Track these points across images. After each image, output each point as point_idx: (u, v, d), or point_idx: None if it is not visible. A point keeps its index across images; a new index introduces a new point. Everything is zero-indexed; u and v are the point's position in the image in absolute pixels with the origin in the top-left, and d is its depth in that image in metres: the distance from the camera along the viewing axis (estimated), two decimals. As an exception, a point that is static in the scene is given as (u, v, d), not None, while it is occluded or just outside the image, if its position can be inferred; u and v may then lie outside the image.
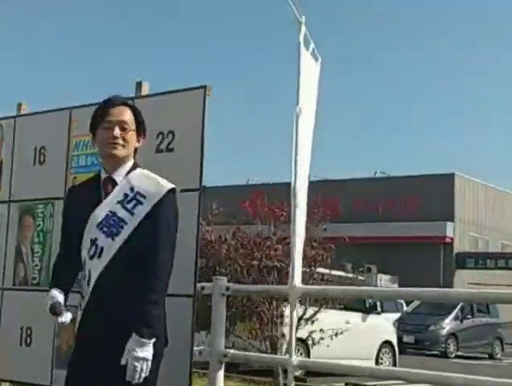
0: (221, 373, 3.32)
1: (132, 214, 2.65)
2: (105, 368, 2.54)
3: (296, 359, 3.04)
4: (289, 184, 3.24)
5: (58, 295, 2.68)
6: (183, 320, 3.30)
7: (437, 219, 28.45)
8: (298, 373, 10.67)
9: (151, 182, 2.72)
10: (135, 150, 2.80)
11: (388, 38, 54.11)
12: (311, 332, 7.41)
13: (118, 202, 2.67)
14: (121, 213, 2.65)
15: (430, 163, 60.05)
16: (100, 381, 2.57)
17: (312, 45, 3.49)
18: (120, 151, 2.71)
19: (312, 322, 7.23)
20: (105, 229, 2.64)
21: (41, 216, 4.00)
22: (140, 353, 2.50)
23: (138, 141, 2.79)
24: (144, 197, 2.67)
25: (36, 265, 3.95)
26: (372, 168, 42.19)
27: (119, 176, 2.73)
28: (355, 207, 28.29)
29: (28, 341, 3.91)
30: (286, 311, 7.47)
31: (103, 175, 2.76)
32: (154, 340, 2.54)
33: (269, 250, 7.14)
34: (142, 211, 2.65)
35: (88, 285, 2.66)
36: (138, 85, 3.75)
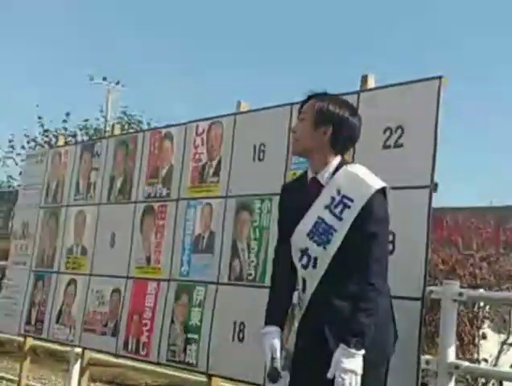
0: (451, 386, 3.08)
1: (340, 219, 2.50)
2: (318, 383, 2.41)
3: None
4: None
5: (276, 344, 2.55)
6: (410, 325, 3.11)
7: None
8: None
9: (358, 183, 2.56)
10: (333, 148, 2.62)
11: None
12: (518, 360, 6.85)
13: (326, 206, 2.53)
14: (330, 219, 2.51)
15: None
16: None
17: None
18: (295, 146, 2.64)
19: (519, 347, 6.69)
20: (316, 238, 2.53)
21: (258, 212, 3.99)
22: (347, 364, 2.35)
23: (324, 134, 2.59)
24: (352, 200, 2.51)
25: (252, 261, 3.94)
26: None
27: (323, 176, 2.59)
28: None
29: (241, 336, 3.89)
30: (488, 333, 7.02)
31: (309, 175, 2.66)
32: (363, 352, 2.38)
33: (473, 268, 6.73)
34: (350, 215, 2.49)
35: (304, 291, 2.58)
36: (364, 78, 3.63)
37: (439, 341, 3.12)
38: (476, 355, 6.60)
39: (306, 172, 2.70)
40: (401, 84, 3.43)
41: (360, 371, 2.37)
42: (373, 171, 3.39)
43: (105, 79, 26.09)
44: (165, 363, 4.34)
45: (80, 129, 15.55)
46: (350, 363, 2.35)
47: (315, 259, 2.52)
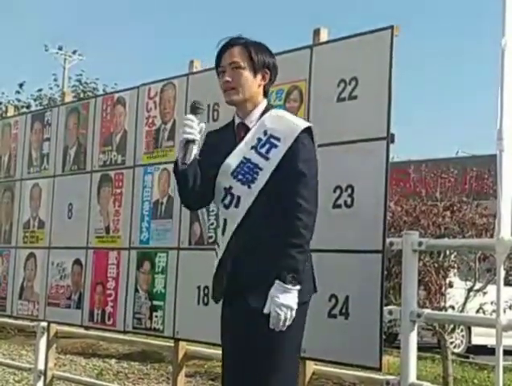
0: (414, 334, 3.09)
1: (267, 158, 2.49)
2: (250, 319, 2.43)
3: (505, 318, 2.74)
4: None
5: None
6: (372, 278, 3.12)
7: None
8: (459, 350, 10.32)
9: (285, 123, 2.55)
10: (265, 92, 2.63)
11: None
12: (482, 304, 6.97)
13: (252, 147, 2.51)
14: (256, 159, 2.50)
15: None
16: (245, 331, 2.46)
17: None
18: (235, 96, 2.57)
19: (484, 293, 6.78)
20: (240, 177, 2.51)
21: (217, 174, 3.93)
22: (283, 300, 2.37)
23: (263, 80, 2.60)
24: (278, 139, 2.50)
25: (212, 224, 3.89)
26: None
27: (251, 121, 2.57)
28: None
29: (206, 300, 3.86)
30: (455, 281, 7.12)
31: (236, 121, 2.64)
32: (298, 287, 2.41)
33: (436, 217, 6.78)
34: (277, 154, 2.48)
35: (224, 234, 2.56)
36: (316, 32, 3.55)
37: (402, 291, 3.13)
38: (443, 303, 6.70)
39: (233, 119, 2.67)
40: (353, 35, 3.38)
41: (295, 306, 2.40)
42: (328, 124, 3.39)
43: (60, 48, 25.60)
44: (132, 330, 4.31)
45: (35, 100, 15.22)
46: (286, 299, 2.37)
47: (239, 198, 2.50)
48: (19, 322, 5.71)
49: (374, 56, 3.25)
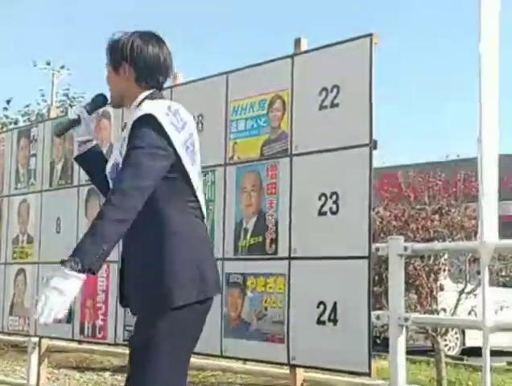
0: (402, 339, 3.11)
1: (121, 155, 2.34)
2: None
3: (491, 319, 2.77)
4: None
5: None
6: (359, 283, 3.14)
7: None
8: (454, 352, 10.33)
9: (135, 115, 2.34)
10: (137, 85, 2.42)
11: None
12: (474, 306, 6.99)
13: (119, 150, 2.39)
14: (120, 161, 2.34)
15: None
16: None
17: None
18: (111, 99, 2.50)
19: (475, 295, 6.80)
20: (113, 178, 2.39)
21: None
22: (55, 283, 2.03)
23: (125, 73, 2.41)
24: (126, 132, 2.37)
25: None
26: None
27: (129, 118, 2.42)
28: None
29: (196, 311, 3.86)
30: (447, 284, 7.14)
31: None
32: (81, 275, 2.03)
33: (425, 221, 6.81)
34: (125, 148, 2.33)
35: None
36: (297, 42, 3.58)
37: (389, 295, 3.15)
38: (434, 306, 6.71)
39: None
40: (333, 44, 3.43)
41: (69, 294, 2.05)
42: (311, 132, 3.42)
43: (48, 63, 25.56)
44: (123, 343, 4.31)
45: (22, 116, 15.20)
46: (58, 283, 2.04)
47: None
48: (12, 337, 5.69)
49: (355, 64, 3.29)
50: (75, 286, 2.06)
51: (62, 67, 26.71)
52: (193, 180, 2.37)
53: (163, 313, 2.24)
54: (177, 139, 2.30)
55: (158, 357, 2.25)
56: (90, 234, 2.11)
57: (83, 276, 2.06)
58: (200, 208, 2.40)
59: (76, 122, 2.53)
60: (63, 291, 2.05)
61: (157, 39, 2.49)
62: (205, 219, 2.45)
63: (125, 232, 2.17)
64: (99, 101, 2.57)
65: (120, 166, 2.32)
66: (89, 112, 2.56)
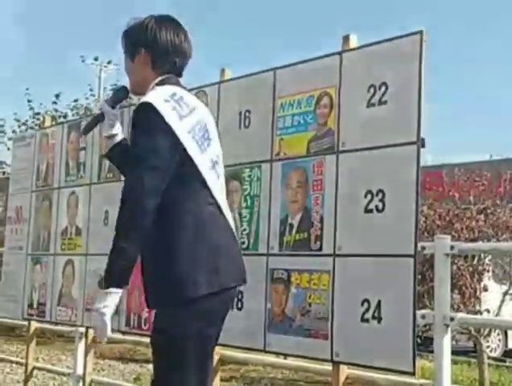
0: (448, 339, 3.10)
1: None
2: None
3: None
4: None
5: None
6: (404, 282, 3.13)
7: None
8: (496, 354, 10.20)
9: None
10: (154, 71, 2.45)
11: None
12: (519, 308, 6.91)
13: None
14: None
15: None
16: None
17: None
18: (130, 86, 2.50)
19: (520, 297, 6.73)
20: None
21: (248, 180, 3.98)
22: (96, 304, 2.24)
23: (141, 60, 2.44)
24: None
25: (245, 230, 3.93)
26: None
27: None
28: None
29: (240, 305, 3.90)
30: (491, 285, 7.06)
31: None
32: (113, 289, 2.23)
33: (469, 221, 6.74)
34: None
35: None
36: (345, 39, 3.58)
37: (434, 295, 3.14)
38: (478, 307, 6.65)
39: None
40: (382, 41, 3.40)
41: (106, 310, 2.22)
42: (358, 129, 3.42)
43: (96, 59, 25.97)
44: (167, 336, 4.36)
45: (71, 110, 15.46)
46: (97, 303, 2.24)
47: None
48: (58, 327, 5.83)
49: (404, 61, 3.28)
50: (110, 301, 2.22)
51: (109, 63, 27.14)
52: (201, 166, 2.32)
53: (177, 307, 2.26)
54: (179, 126, 2.27)
55: (181, 355, 2.27)
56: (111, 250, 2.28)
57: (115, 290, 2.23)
58: (211, 195, 2.35)
59: (100, 117, 2.52)
60: (101, 311, 2.21)
61: (172, 22, 2.46)
62: (222, 206, 2.41)
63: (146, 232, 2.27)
64: (120, 94, 2.54)
65: None
66: (112, 106, 2.52)
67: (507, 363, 9.25)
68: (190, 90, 4.34)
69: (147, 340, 4.86)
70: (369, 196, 3.31)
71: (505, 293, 6.72)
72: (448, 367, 3.08)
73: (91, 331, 5.06)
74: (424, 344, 7.66)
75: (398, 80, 3.29)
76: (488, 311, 6.73)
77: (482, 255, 6.60)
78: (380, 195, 3.28)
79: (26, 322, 5.84)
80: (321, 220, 3.52)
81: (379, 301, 3.20)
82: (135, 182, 2.24)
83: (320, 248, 3.50)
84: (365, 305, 3.24)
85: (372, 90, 3.38)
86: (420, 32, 3.22)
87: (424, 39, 3.20)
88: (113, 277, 2.25)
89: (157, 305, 2.38)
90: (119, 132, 2.56)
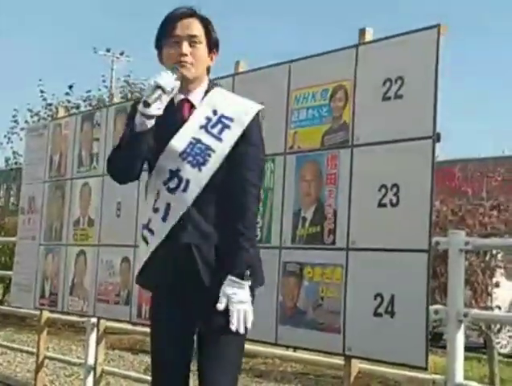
0: (461, 334, 3.09)
1: (220, 139, 2.35)
2: (201, 313, 2.35)
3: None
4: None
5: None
6: (417, 277, 3.12)
7: None
8: (506, 351, 10.15)
9: (237, 103, 2.45)
10: (208, 70, 2.49)
11: None
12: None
13: (201, 127, 2.37)
14: (207, 139, 2.35)
15: None
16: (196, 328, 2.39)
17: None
18: (189, 71, 2.38)
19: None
20: (190, 159, 2.35)
21: (261, 173, 3.97)
22: (242, 297, 2.28)
23: (211, 59, 2.48)
24: (231, 120, 2.38)
25: (257, 223, 3.92)
26: None
27: (196, 98, 2.42)
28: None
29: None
30: (502, 281, 7.03)
31: (178, 96, 2.41)
32: (249, 282, 2.31)
33: (482, 217, 6.71)
34: (231, 136, 2.36)
35: (165, 220, 2.36)
36: (361, 32, 3.56)
37: (448, 290, 3.13)
38: (489, 303, 6.63)
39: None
40: (399, 34, 3.38)
41: (249, 303, 2.32)
42: (373, 123, 3.41)
43: (108, 50, 26.01)
44: (178, 327, 4.38)
45: (84, 101, 15.53)
46: (244, 295, 2.29)
47: (188, 181, 2.34)
48: (70, 317, 5.85)
49: (420, 55, 3.25)
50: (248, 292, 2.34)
51: (121, 54, 27.17)
52: None
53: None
54: None
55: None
56: (252, 245, 2.37)
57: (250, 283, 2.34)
58: None
59: (163, 91, 2.28)
60: (247, 301, 2.32)
61: None
62: None
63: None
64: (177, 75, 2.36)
65: (201, 144, 2.34)
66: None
67: (517, 360, 9.21)
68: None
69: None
70: (383, 190, 3.30)
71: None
72: (460, 363, 3.07)
73: (102, 322, 5.08)
74: (434, 340, 7.64)
75: (414, 73, 3.27)
76: (499, 308, 6.71)
77: (494, 251, 6.57)
78: (394, 190, 3.26)
79: (36, 312, 5.87)
80: (335, 214, 3.51)
81: (392, 296, 3.19)
82: (260, 183, 2.47)
83: (334, 242, 3.49)
84: (378, 299, 3.23)
85: (388, 84, 3.36)
86: (438, 26, 3.19)
87: (442, 33, 3.18)
88: (259, 277, 2.43)
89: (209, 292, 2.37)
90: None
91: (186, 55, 2.38)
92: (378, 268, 3.27)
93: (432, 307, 3.14)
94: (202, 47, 2.42)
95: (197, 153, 2.36)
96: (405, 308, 3.14)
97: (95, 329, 5.14)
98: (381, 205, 3.30)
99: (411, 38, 3.31)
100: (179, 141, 2.36)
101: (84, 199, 5.25)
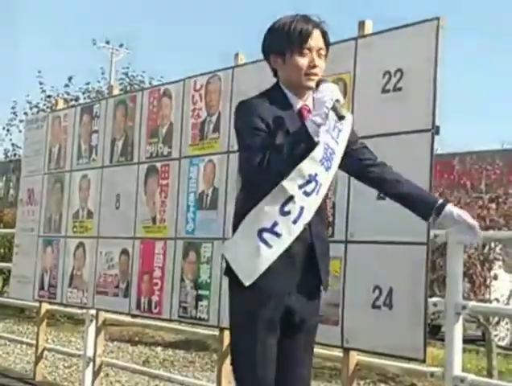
0: (459, 327, 3.09)
1: (337, 143, 2.45)
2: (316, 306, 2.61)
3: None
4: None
5: None
6: (416, 270, 3.13)
7: None
8: (504, 343, 10.19)
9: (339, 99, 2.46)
10: None
11: None
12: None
13: (326, 131, 2.40)
14: (332, 143, 2.43)
15: None
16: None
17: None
18: (313, 83, 2.45)
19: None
20: (326, 163, 2.42)
21: (260, 166, 3.97)
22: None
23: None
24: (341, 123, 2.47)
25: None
26: None
27: (311, 104, 2.49)
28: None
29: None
30: (501, 274, 7.05)
31: (298, 104, 2.48)
32: None
33: (481, 210, 6.72)
34: (343, 138, 2.48)
35: (296, 222, 2.38)
36: (361, 24, 3.56)
37: (446, 283, 3.13)
38: (487, 296, 6.64)
39: (282, 95, 2.52)
40: (398, 27, 3.38)
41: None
42: (373, 116, 3.40)
43: (108, 42, 25.94)
44: (177, 319, 4.40)
45: (83, 93, 15.50)
46: None
47: (321, 185, 2.43)
48: (69, 309, 5.86)
49: (420, 48, 3.25)
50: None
51: (121, 46, 27.11)
52: None
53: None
54: None
55: None
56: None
57: None
58: None
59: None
60: None
61: None
62: None
63: None
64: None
65: (330, 148, 2.42)
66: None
67: (515, 352, 9.23)
68: (203, 74, 4.39)
69: (156, 323, 4.94)
70: (382, 183, 3.29)
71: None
72: (459, 355, 3.08)
73: (101, 313, 5.09)
74: (431, 332, 7.67)
75: (413, 66, 3.27)
76: (497, 300, 6.73)
77: (493, 244, 6.58)
78: (393, 183, 3.25)
79: (36, 304, 5.88)
80: (333, 207, 3.52)
81: (391, 289, 3.20)
82: None
83: (332, 235, 3.49)
84: (377, 291, 3.24)
85: (387, 76, 3.36)
86: (437, 18, 3.19)
87: (441, 26, 3.17)
88: None
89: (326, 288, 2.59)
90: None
91: (317, 66, 2.46)
92: (377, 261, 3.27)
93: (431, 299, 3.15)
94: (324, 60, 2.51)
95: (328, 158, 2.45)
96: (403, 300, 3.15)
97: (94, 321, 5.15)
98: (379, 198, 3.29)
99: (411, 30, 3.30)
100: (318, 148, 2.40)
101: (83, 191, 5.26)
